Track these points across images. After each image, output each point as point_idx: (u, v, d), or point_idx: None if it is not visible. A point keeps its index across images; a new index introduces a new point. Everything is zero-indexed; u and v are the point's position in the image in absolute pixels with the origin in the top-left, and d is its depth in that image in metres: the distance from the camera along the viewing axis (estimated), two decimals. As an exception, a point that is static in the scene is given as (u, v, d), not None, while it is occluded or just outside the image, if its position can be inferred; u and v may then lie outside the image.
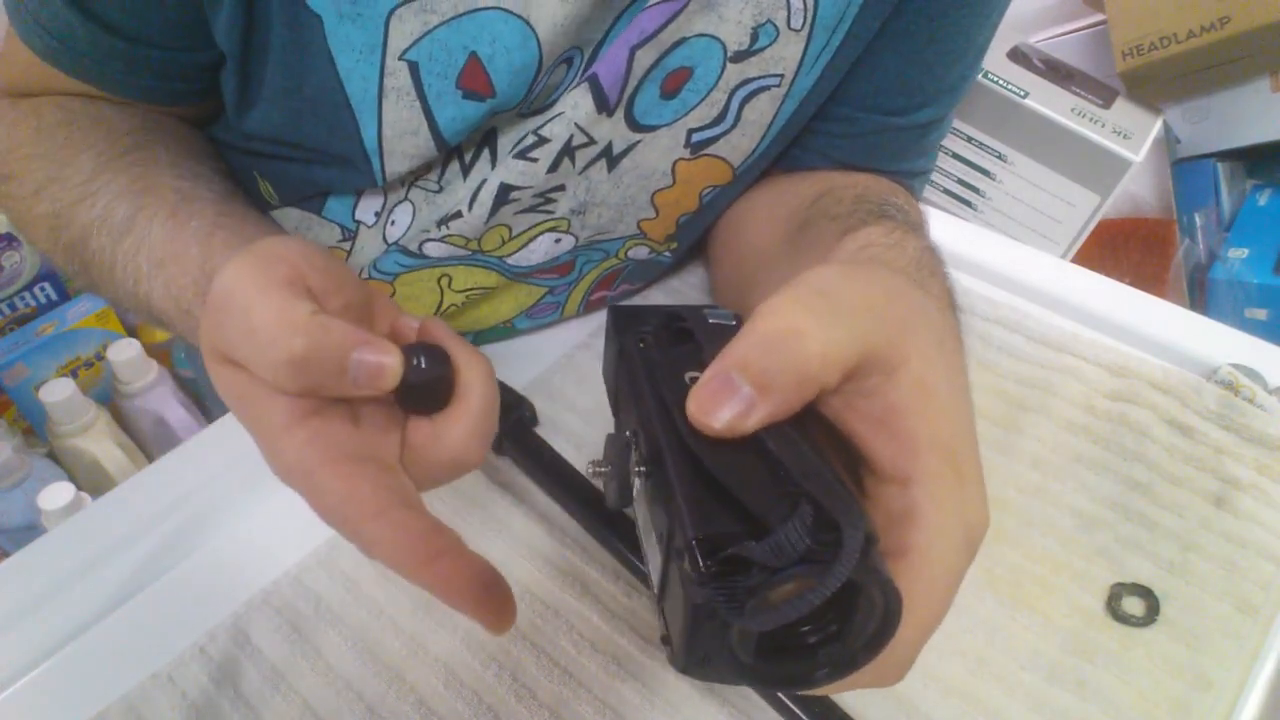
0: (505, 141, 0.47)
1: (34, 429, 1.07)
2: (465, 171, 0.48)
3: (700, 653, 0.23)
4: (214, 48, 0.43)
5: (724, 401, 0.24)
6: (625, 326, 0.31)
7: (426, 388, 0.28)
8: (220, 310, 0.27)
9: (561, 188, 0.49)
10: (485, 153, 0.47)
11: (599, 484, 0.29)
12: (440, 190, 0.49)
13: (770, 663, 0.23)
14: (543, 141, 0.46)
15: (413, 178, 0.48)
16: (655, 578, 0.26)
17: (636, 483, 0.27)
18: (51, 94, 0.47)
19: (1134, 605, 0.44)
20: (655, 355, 0.29)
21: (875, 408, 0.26)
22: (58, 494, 0.80)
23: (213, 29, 0.41)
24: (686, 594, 0.22)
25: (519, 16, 0.40)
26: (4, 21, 0.46)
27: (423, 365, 0.28)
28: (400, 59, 0.41)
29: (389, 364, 0.27)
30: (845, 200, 0.47)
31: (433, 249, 0.50)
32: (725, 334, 0.27)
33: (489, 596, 0.26)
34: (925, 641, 0.26)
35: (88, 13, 0.41)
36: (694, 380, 0.25)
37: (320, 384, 0.26)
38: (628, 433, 0.28)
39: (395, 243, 0.51)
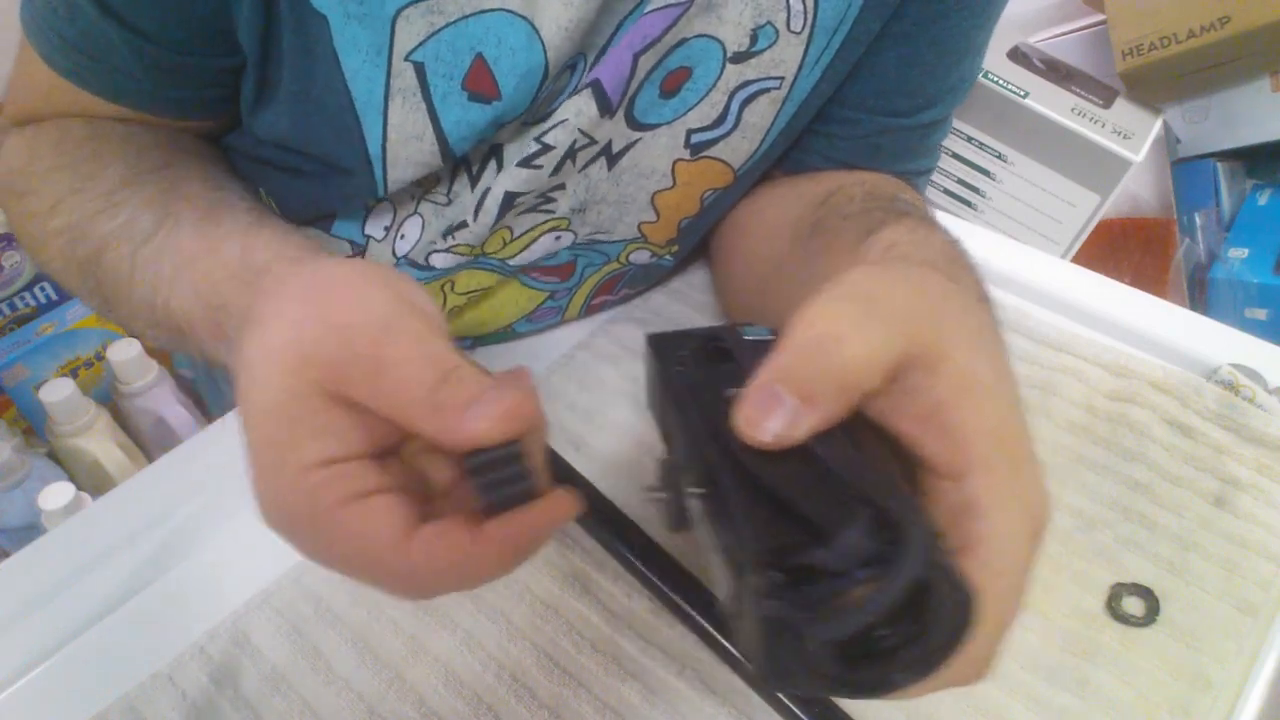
0: (511, 152, 0.47)
1: (34, 429, 1.08)
2: (473, 183, 0.48)
3: (780, 666, 0.23)
4: (241, 51, 0.42)
5: (770, 414, 0.24)
6: (664, 353, 0.31)
7: (499, 491, 0.27)
8: (361, 326, 0.27)
9: (562, 187, 0.49)
10: (492, 164, 0.47)
11: (654, 509, 0.29)
12: (450, 203, 0.49)
13: (851, 670, 0.23)
14: (547, 149, 0.45)
15: (421, 191, 0.48)
16: (726, 597, 0.25)
17: (693, 505, 0.27)
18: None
19: (1134, 605, 0.44)
20: (696, 377, 0.29)
21: (921, 405, 0.26)
22: (58, 494, 0.80)
23: (236, 30, 0.41)
24: (757, 609, 0.22)
25: (524, 18, 0.40)
26: (10, 50, 0.45)
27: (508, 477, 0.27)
28: (406, 60, 0.41)
29: (486, 430, 0.26)
30: (855, 199, 0.46)
31: (439, 260, 0.50)
32: (762, 349, 0.27)
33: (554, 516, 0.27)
34: (1005, 634, 0.26)
35: (124, 22, 0.40)
36: (735, 397, 0.26)
37: (433, 428, 0.26)
38: (679, 456, 0.28)
39: (404, 256, 0.50)
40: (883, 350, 0.25)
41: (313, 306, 0.28)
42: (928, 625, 0.23)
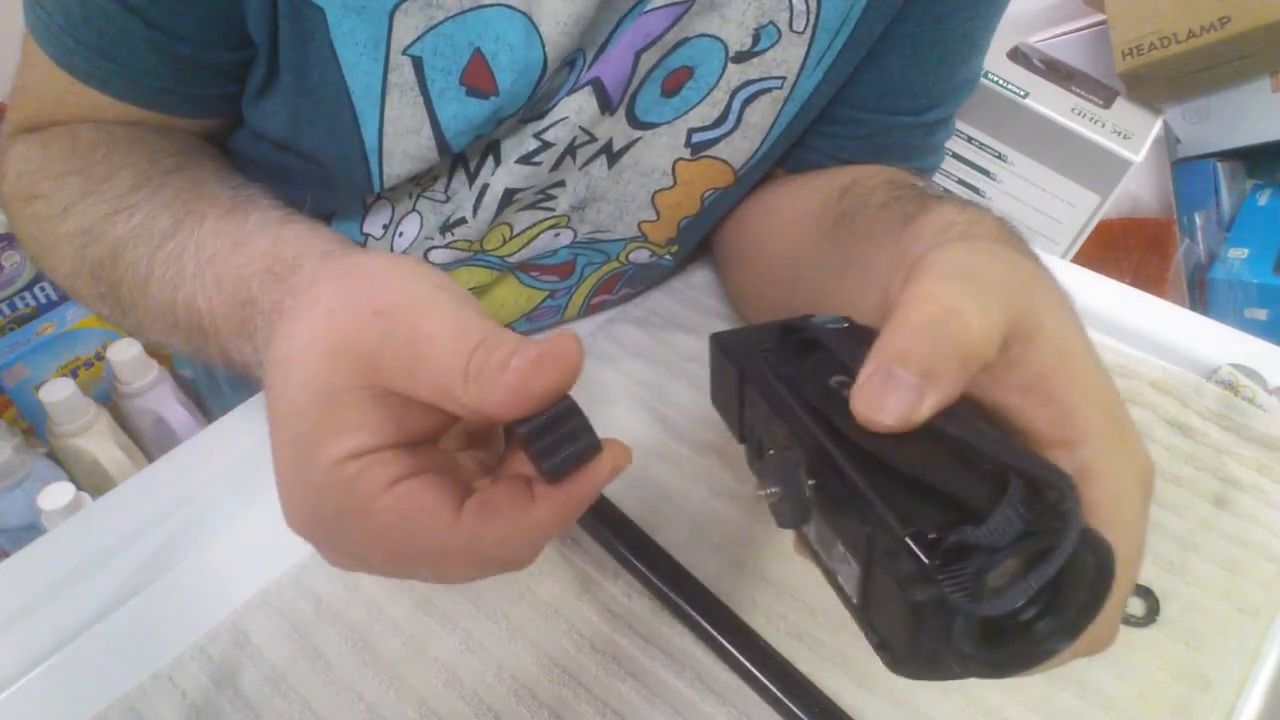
0: (509, 148, 0.47)
1: (34, 429, 1.07)
2: (471, 180, 0.48)
3: (925, 652, 0.23)
4: (255, 44, 0.42)
5: (891, 394, 0.24)
6: (737, 350, 0.31)
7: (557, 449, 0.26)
8: (386, 312, 0.26)
9: (561, 184, 0.49)
10: (490, 160, 0.47)
11: (767, 509, 0.29)
12: (448, 200, 0.49)
13: (993, 648, 0.23)
14: (546, 146, 0.45)
15: (419, 189, 0.48)
16: (853, 587, 0.25)
17: (810, 497, 0.27)
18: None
19: (1134, 605, 0.44)
20: (787, 370, 0.29)
21: (1023, 377, 0.26)
22: (58, 494, 0.80)
23: (247, 22, 0.41)
24: (907, 593, 0.22)
25: (523, 13, 0.40)
26: (14, 60, 0.45)
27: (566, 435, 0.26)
28: (404, 54, 0.41)
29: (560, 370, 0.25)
30: (877, 189, 0.46)
31: (437, 256, 0.50)
32: (850, 336, 0.27)
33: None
34: (1129, 594, 0.26)
35: (146, 18, 0.40)
36: (840, 384, 0.25)
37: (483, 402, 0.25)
38: (786, 447, 0.28)
39: (402, 254, 0.50)
40: (997, 322, 0.25)
41: (346, 297, 0.28)
42: (1070, 592, 0.23)
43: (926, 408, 0.24)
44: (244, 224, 0.36)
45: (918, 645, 0.22)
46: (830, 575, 0.27)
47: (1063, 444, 0.26)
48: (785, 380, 0.28)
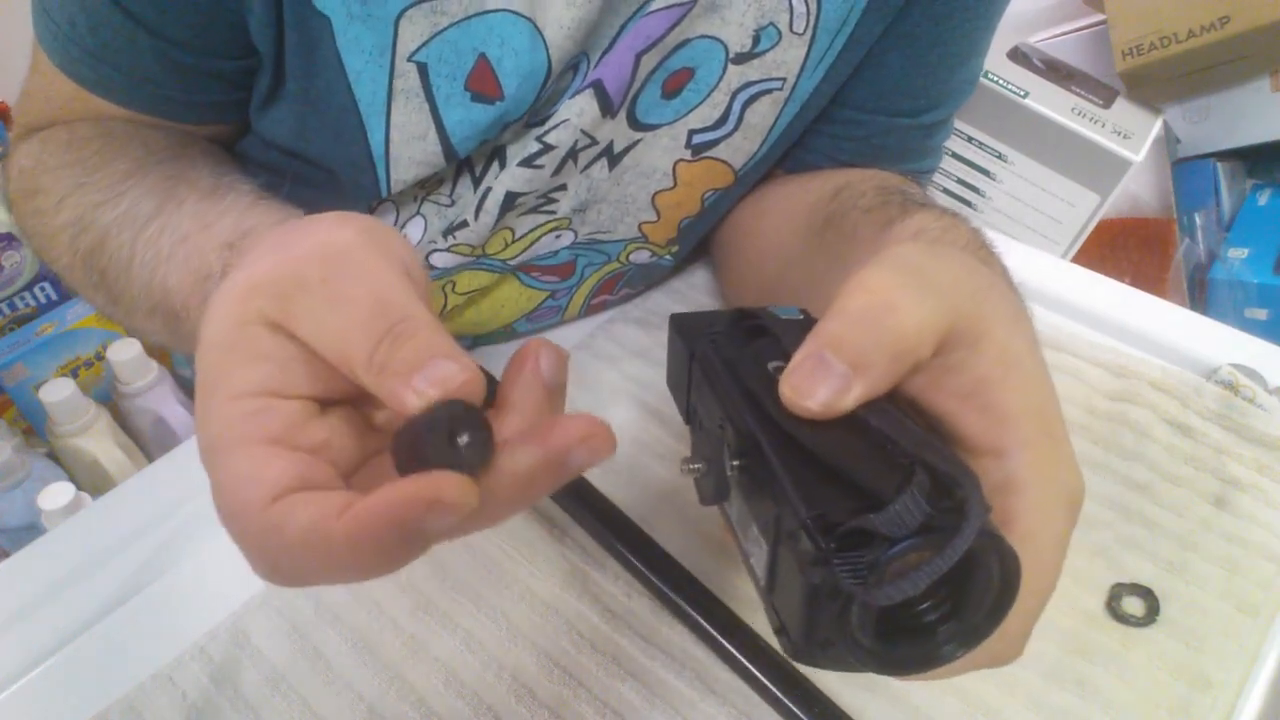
0: (513, 152, 0.47)
1: (34, 429, 1.07)
2: (476, 184, 0.48)
3: (820, 638, 0.23)
4: (259, 53, 0.42)
5: (820, 381, 0.24)
6: (691, 331, 0.31)
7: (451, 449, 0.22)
8: (316, 256, 0.24)
9: (563, 187, 0.49)
10: (494, 164, 0.47)
11: (692, 482, 0.29)
12: (453, 205, 0.49)
13: (891, 645, 0.23)
14: (548, 149, 0.45)
15: (424, 192, 0.48)
16: (761, 569, 0.25)
17: (732, 476, 0.27)
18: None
19: (1134, 605, 0.44)
20: (732, 352, 0.29)
21: (962, 382, 0.26)
22: (58, 494, 0.80)
23: (249, 30, 0.41)
24: (804, 576, 0.22)
25: (527, 18, 0.40)
26: (24, 61, 0.45)
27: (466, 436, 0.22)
28: (409, 60, 0.41)
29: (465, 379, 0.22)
30: (867, 193, 0.46)
31: (439, 259, 0.50)
32: (799, 326, 0.27)
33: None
34: (1040, 612, 0.26)
35: (151, 29, 0.40)
36: (778, 369, 0.25)
37: (378, 380, 0.22)
38: (719, 426, 0.28)
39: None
40: (934, 321, 0.24)
41: (277, 245, 0.26)
42: (971, 599, 0.23)
43: (853, 397, 0.24)
44: (218, 205, 0.36)
45: (812, 630, 0.22)
46: (745, 558, 0.27)
47: (992, 453, 0.25)
48: (728, 361, 0.29)
